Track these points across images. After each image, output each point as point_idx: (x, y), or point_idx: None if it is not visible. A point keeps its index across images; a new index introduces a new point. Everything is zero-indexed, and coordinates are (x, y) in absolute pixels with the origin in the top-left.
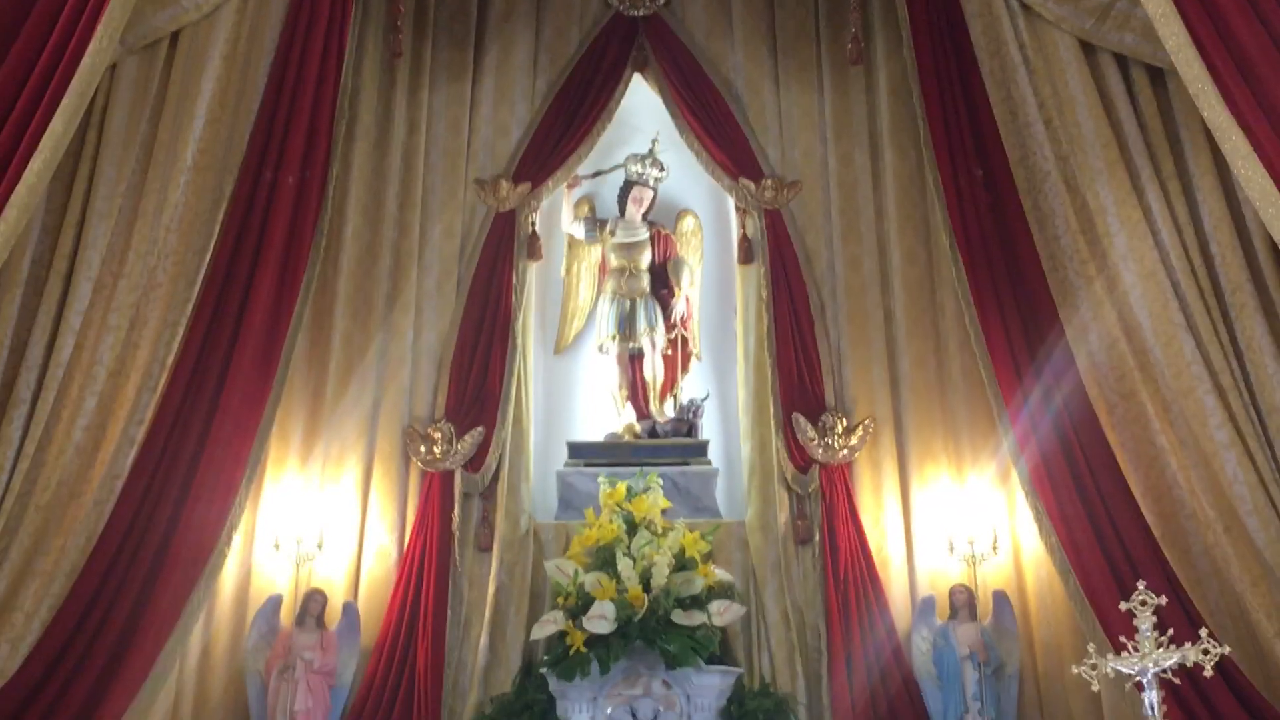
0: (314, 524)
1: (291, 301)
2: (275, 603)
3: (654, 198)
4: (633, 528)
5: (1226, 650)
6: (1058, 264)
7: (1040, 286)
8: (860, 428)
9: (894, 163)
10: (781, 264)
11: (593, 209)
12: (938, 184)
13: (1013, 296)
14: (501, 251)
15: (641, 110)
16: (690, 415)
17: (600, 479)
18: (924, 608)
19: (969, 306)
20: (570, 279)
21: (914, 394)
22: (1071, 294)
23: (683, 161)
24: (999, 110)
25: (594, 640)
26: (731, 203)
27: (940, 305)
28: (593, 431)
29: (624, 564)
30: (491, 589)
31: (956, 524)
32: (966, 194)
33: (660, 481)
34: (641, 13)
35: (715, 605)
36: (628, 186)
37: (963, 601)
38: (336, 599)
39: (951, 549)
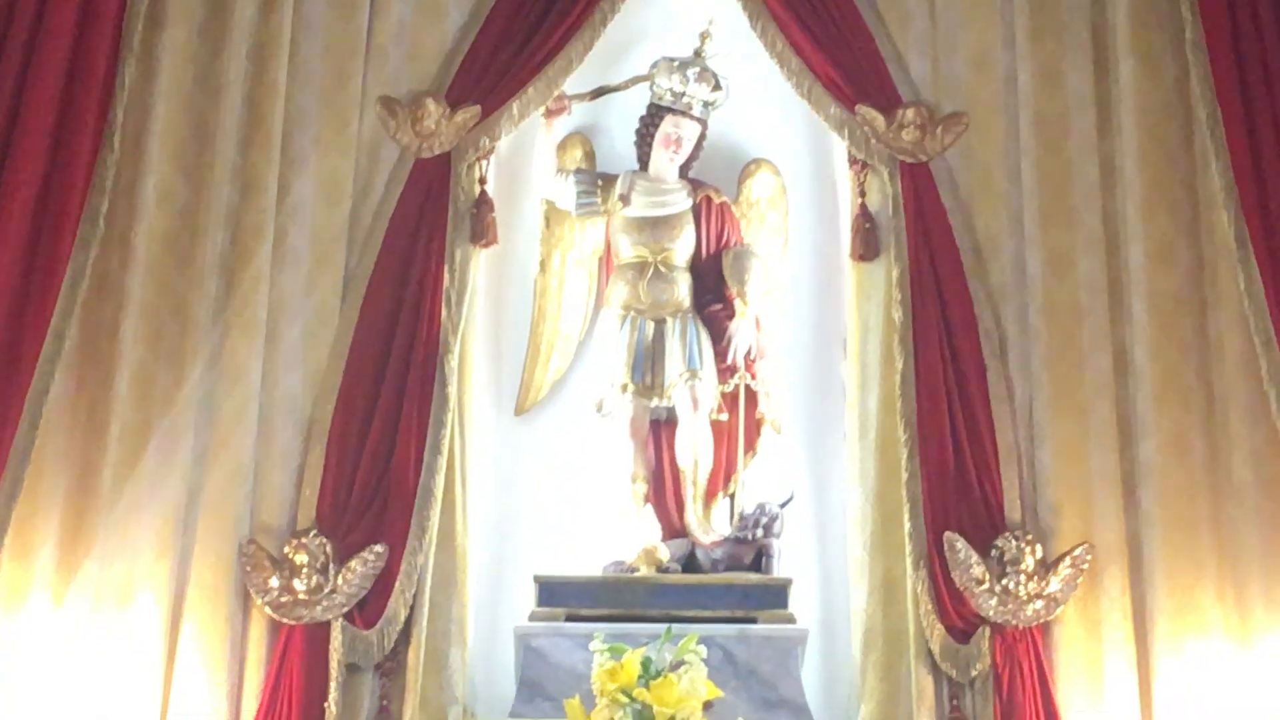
0: (74, 709)
1: (43, 313)
2: None
3: (702, 137)
4: None
5: None
6: None
7: None
8: (1068, 562)
9: (1137, 83)
10: (930, 261)
11: (590, 156)
12: (1216, 124)
13: None
14: (425, 229)
15: None
16: (759, 532)
17: (594, 644)
18: None
19: (1268, 346)
20: (547, 281)
21: (1165, 505)
22: None
23: (755, 76)
24: None
25: None
26: (842, 151)
27: (1216, 343)
28: (582, 558)
29: None
30: None
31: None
32: (1269, 143)
33: (703, 651)
34: None
35: None
36: (655, 117)
37: None
38: None
39: None
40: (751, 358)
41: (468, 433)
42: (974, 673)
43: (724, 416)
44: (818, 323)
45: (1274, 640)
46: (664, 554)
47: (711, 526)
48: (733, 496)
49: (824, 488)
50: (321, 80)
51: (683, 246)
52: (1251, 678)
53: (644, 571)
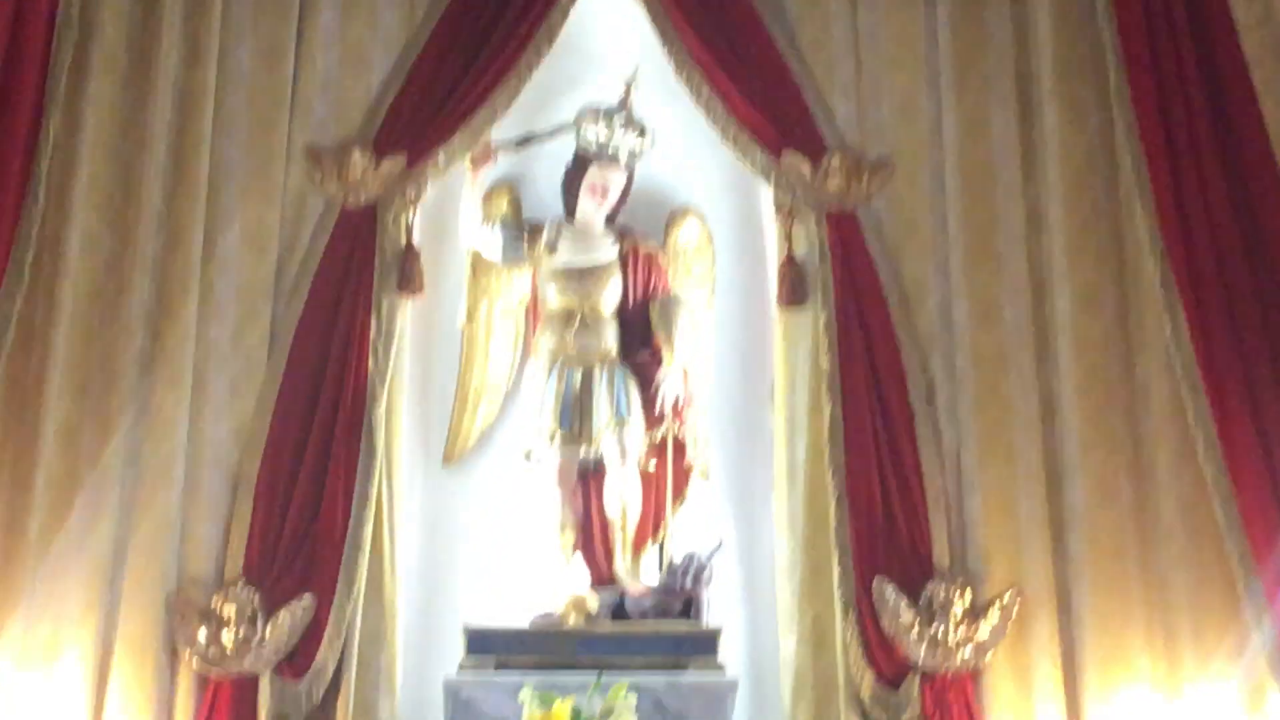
0: None
1: None
2: None
3: (628, 186)
4: None
5: None
6: None
7: None
8: (997, 608)
9: (1061, 131)
10: (857, 309)
11: (516, 205)
12: (1141, 171)
13: (1273, 373)
14: (351, 280)
15: (608, 31)
16: (688, 581)
17: (524, 694)
18: None
19: (1194, 391)
20: (474, 331)
21: (1094, 549)
22: None
23: (681, 124)
24: (1249, 41)
25: None
26: (769, 198)
27: (1142, 387)
28: (512, 608)
29: None
30: None
31: None
32: (1192, 190)
33: (634, 700)
34: None
35: None
36: (581, 165)
37: None
38: None
39: None
40: (680, 406)
41: (395, 482)
42: (904, 719)
43: (653, 465)
44: (745, 370)
45: (1202, 687)
46: (593, 603)
47: (640, 575)
48: (661, 545)
49: (753, 535)
50: (247, 130)
51: (609, 296)
52: None
53: (573, 621)
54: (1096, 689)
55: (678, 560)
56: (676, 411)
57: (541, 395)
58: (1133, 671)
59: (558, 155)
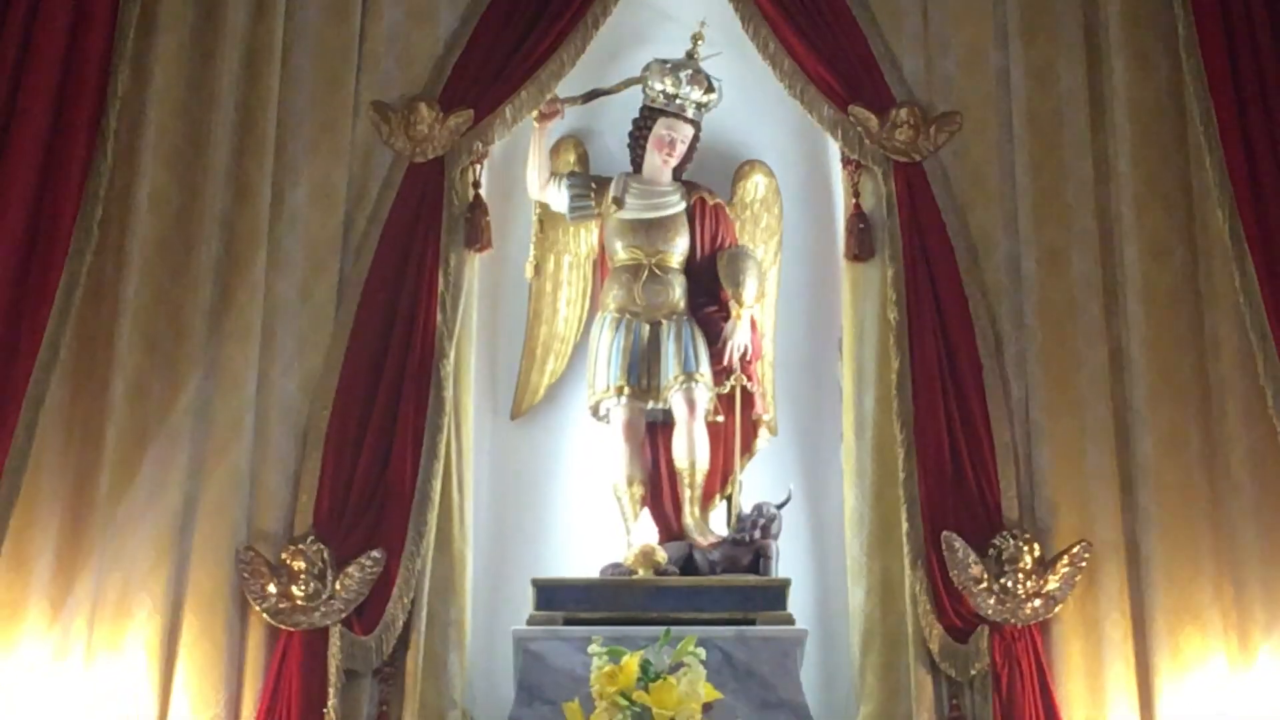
0: (75, 716)
1: (38, 320)
2: None
3: (695, 139)
4: None
5: None
6: None
7: None
8: (1066, 561)
9: (1130, 82)
10: (925, 261)
11: (584, 159)
12: (1209, 121)
13: None
14: (419, 234)
15: None
16: (757, 533)
17: (593, 648)
18: None
19: (1264, 342)
20: (542, 284)
21: (1162, 500)
22: None
23: (748, 78)
24: None
25: None
26: (835, 151)
27: (1212, 339)
28: (579, 561)
29: None
30: None
31: None
32: (1262, 140)
33: (702, 653)
34: None
35: None
36: (648, 119)
37: None
38: None
39: None
40: (747, 359)
41: (464, 437)
42: (973, 672)
43: (720, 418)
44: (813, 323)
45: (1274, 640)
46: (662, 556)
47: (709, 528)
48: (730, 498)
49: (821, 488)
50: (314, 86)
51: (677, 249)
52: (1250, 678)
53: (642, 574)
54: (1166, 641)
55: (746, 513)
56: (744, 365)
57: (609, 349)
58: (1202, 624)
59: (625, 109)
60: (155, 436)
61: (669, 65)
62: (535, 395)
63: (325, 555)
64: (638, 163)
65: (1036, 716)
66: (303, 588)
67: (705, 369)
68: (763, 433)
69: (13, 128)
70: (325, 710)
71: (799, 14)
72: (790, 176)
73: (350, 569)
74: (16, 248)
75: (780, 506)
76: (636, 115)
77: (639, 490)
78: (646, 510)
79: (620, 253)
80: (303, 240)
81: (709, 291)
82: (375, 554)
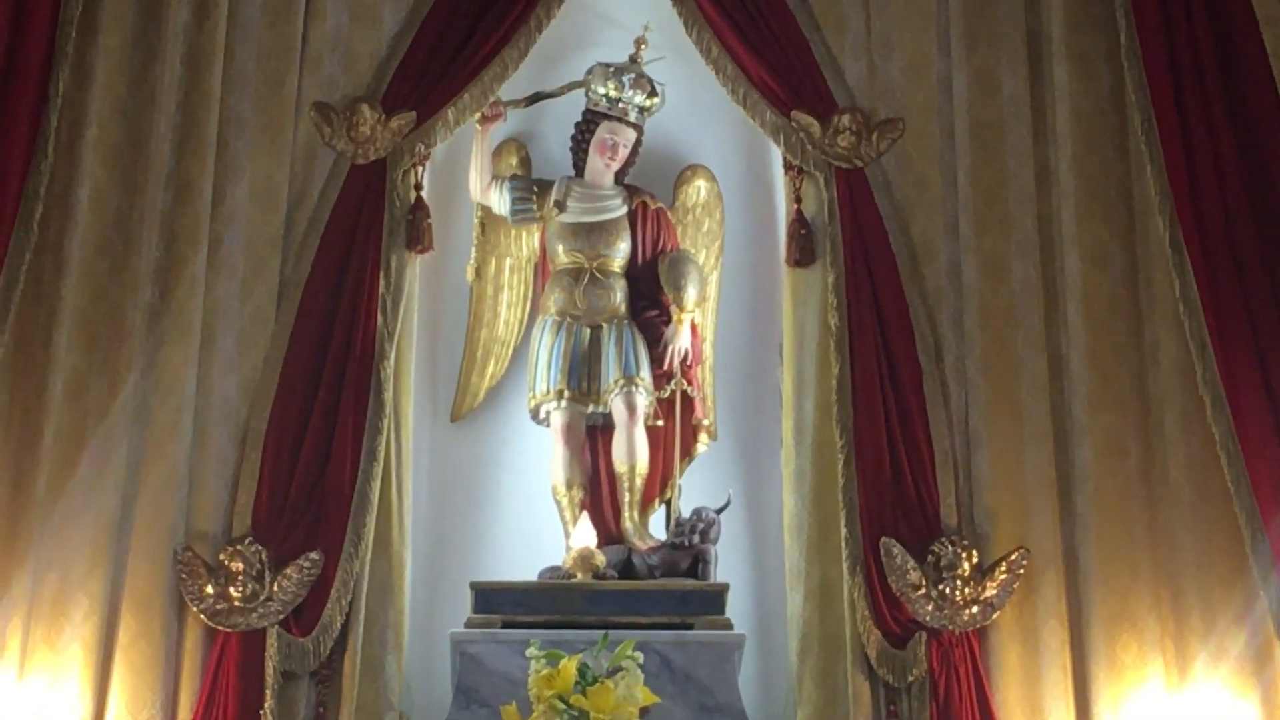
0: (8, 717)
1: None
2: None
3: (638, 144)
4: None
5: None
6: None
7: None
8: (1004, 568)
9: (1072, 89)
10: (866, 267)
11: (526, 163)
12: (1151, 130)
13: None
14: (360, 236)
15: None
16: (695, 538)
17: (530, 651)
18: None
19: (1202, 351)
20: (483, 287)
21: (1100, 507)
22: None
23: (691, 82)
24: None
25: None
26: (778, 156)
27: (1151, 347)
28: (518, 564)
29: None
30: None
31: None
32: (1202, 148)
33: (640, 657)
34: None
35: None
36: (591, 123)
37: None
38: None
39: None
40: (688, 364)
41: (404, 439)
42: (910, 678)
43: (660, 423)
44: (753, 329)
45: (1210, 648)
46: (600, 560)
47: (648, 532)
48: (669, 502)
49: (760, 493)
50: (256, 86)
51: (619, 253)
52: (1187, 686)
53: (580, 578)
54: (1103, 649)
55: (685, 517)
56: (685, 368)
57: (550, 352)
58: (1139, 631)
59: (568, 112)
60: (93, 436)
61: (612, 69)
62: (475, 398)
63: (263, 557)
64: (580, 166)
65: None
66: (240, 589)
67: (646, 373)
68: (702, 437)
69: None
70: (262, 712)
71: (742, 19)
72: (732, 181)
73: (288, 570)
74: None
75: (719, 511)
76: (579, 119)
77: (578, 494)
78: (585, 514)
79: (561, 256)
80: (243, 241)
81: (650, 296)
82: (313, 555)
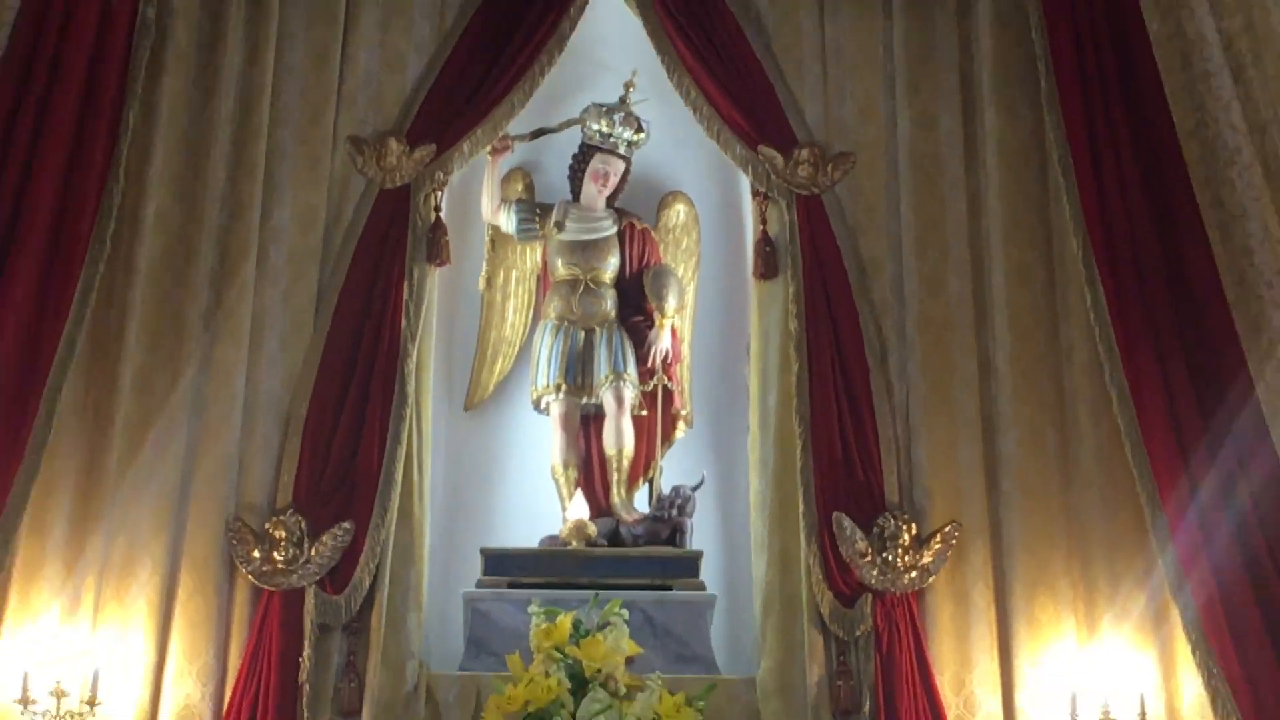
0: (83, 666)
1: (58, 321)
2: None
3: (626, 173)
4: (581, 684)
5: None
6: (1249, 290)
7: (1222, 324)
8: (938, 538)
9: (999, 129)
10: (822, 281)
11: (530, 188)
12: (1067, 164)
13: (1178, 339)
14: (388, 251)
15: (610, 39)
16: (674, 511)
17: (532, 608)
18: None
19: (1110, 353)
20: (493, 295)
21: (1022, 487)
22: (1269, 335)
23: (672, 120)
24: (1162, 52)
25: None
26: (746, 185)
27: (1066, 350)
28: (521, 533)
29: None
30: None
31: (1085, 685)
32: (1111, 180)
33: (626, 614)
34: None
35: None
36: (586, 155)
37: None
38: None
39: None
40: (668, 362)
41: (424, 426)
42: (858, 633)
43: (644, 412)
44: (725, 332)
45: (1116, 608)
46: (592, 530)
47: (633, 507)
48: (651, 481)
49: (730, 474)
50: (299, 122)
51: (609, 266)
52: (1095, 641)
53: (575, 545)
54: (1023, 608)
55: (665, 494)
56: (666, 367)
57: (550, 351)
58: (1055, 593)
59: (566, 146)
60: (157, 422)
61: (604, 108)
62: (485, 391)
63: (303, 526)
64: (576, 192)
65: (912, 671)
66: (283, 553)
67: (632, 370)
68: (680, 425)
69: (37, 156)
70: (300, 659)
71: (716, 66)
72: (707, 205)
73: (324, 538)
74: (40, 258)
75: (695, 489)
76: (576, 151)
77: (573, 473)
78: (580, 491)
79: (560, 269)
80: (287, 254)
81: (636, 304)
82: (346, 525)
